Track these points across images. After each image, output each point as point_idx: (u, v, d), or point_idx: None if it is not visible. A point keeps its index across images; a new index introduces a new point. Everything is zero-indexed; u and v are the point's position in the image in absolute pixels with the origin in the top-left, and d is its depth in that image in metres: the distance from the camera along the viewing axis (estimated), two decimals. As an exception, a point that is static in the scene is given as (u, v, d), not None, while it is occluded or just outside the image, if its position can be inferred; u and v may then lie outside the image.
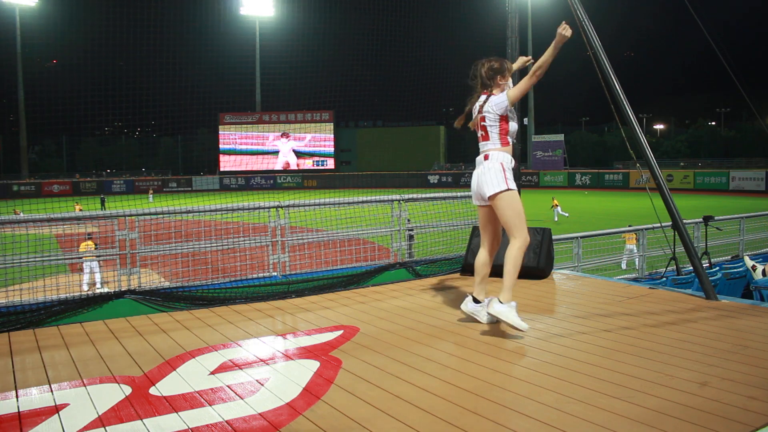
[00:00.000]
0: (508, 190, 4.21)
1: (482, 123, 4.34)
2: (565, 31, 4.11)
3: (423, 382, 3.31)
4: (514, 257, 4.15)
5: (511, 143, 4.35)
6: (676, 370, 3.36)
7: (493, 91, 4.35)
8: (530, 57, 4.80)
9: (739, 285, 8.72)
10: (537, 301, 5.20)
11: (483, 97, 4.36)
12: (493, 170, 4.24)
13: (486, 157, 4.32)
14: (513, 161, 4.36)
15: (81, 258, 7.77)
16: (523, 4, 49.35)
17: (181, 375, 3.51)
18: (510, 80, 4.47)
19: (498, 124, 4.28)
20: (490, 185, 4.23)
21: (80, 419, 2.90)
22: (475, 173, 4.43)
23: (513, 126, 4.36)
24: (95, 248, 9.26)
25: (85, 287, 10.53)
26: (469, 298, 4.51)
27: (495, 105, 4.26)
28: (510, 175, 4.26)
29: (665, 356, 3.61)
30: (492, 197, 4.24)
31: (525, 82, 4.19)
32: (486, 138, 4.34)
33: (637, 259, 12.21)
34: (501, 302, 4.06)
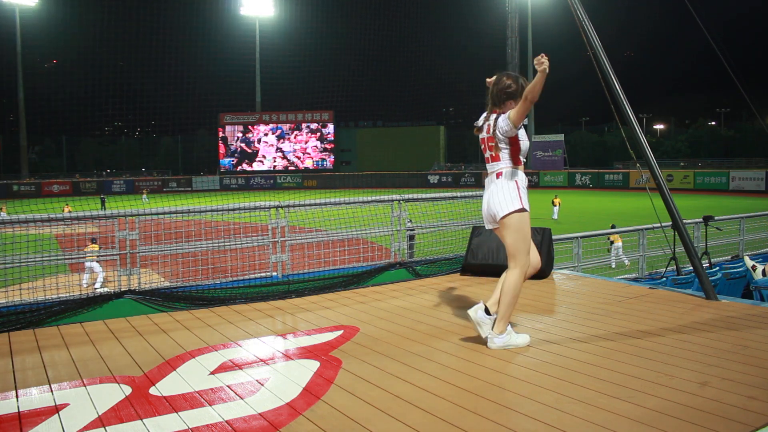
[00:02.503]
0: (522, 210, 3.92)
1: (491, 144, 4.08)
2: (540, 66, 3.75)
3: (423, 382, 3.31)
4: (513, 287, 3.88)
5: (523, 162, 4.09)
6: (676, 370, 3.36)
7: (503, 111, 4.05)
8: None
9: (739, 285, 8.73)
10: (537, 301, 5.20)
11: (493, 117, 4.07)
12: (507, 188, 3.96)
13: (498, 175, 4.03)
14: (527, 180, 4.10)
15: (84, 258, 7.80)
16: (523, 4, 49.29)
17: (181, 375, 3.51)
18: None
19: (508, 146, 4.02)
20: (504, 203, 3.94)
21: (80, 419, 2.90)
22: (485, 194, 4.12)
23: (525, 144, 4.08)
24: (98, 247, 9.35)
25: (84, 285, 10.61)
26: (481, 306, 4.11)
27: (501, 130, 3.98)
28: (525, 194, 3.99)
29: (665, 356, 3.61)
30: (504, 217, 3.94)
31: (520, 107, 3.89)
32: (496, 159, 4.06)
33: (626, 258, 12.29)
34: (498, 333, 3.90)
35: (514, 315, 4.69)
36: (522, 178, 4.04)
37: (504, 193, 3.96)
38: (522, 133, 4.09)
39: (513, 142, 4.03)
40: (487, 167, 4.15)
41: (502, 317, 3.90)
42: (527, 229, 3.97)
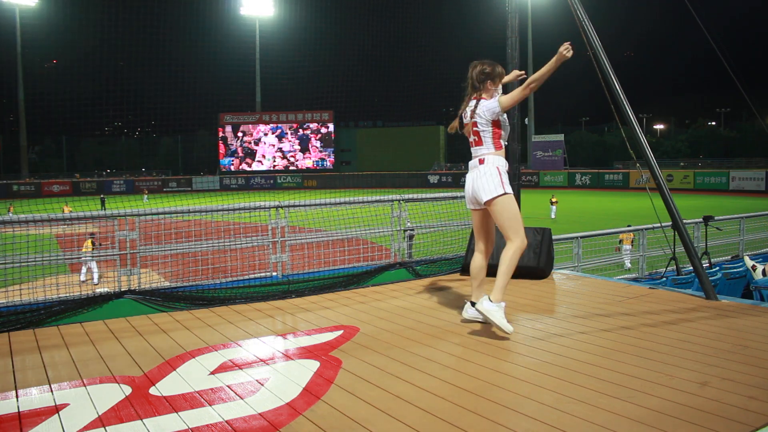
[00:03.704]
0: (505, 194, 4.22)
1: (474, 128, 4.33)
2: (567, 51, 4.06)
3: (423, 382, 3.31)
4: (510, 259, 4.13)
5: (503, 146, 4.36)
6: (676, 370, 3.36)
7: (483, 96, 4.33)
8: (523, 72, 4.77)
9: (739, 285, 8.73)
10: (537, 301, 5.20)
11: (473, 102, 4.33)
12: (489, 174, 4.24)
13: (481, 161, 4.31)
14: (507, 164, 4.36)
15: (80, 258, 7.83)
16: (523, 4, 49.30)
17: (181, 375, 3.51)
18: (500, 86, 4.44)
19: (490, 128, 4.29)
20: (487, 190, 4.23)
21: (80, 419, 2.90)
22: (469, 177, 4.42)
23: (506, 128, 4.38)
24: (92, 247, 9.40)
25: (83, 277, 10.75)
26: (468, 305, 4.52)
27: (486, 110, 4.25)
28: (506, 178, 4.26)
29: (665, 356, 3.61)
30: (488, 202, 4.24)
31: (518, 93, 4.19)
32: (479, 143, 4.34)
33: (628, 260, 12.25)
34: (491, 301, 4.06)
35: (515, 315, 4.70)
36: (503, 163, 4.32)
37: (487, 179, 4.25)
38: (504, 118, 4.36)
39: (495, 126, 4.29)
40: (472, 151, 4.42)
41: (499, 287, 4.11)
42: (515, 209, 4.26)
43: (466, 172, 4.48)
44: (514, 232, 4.18)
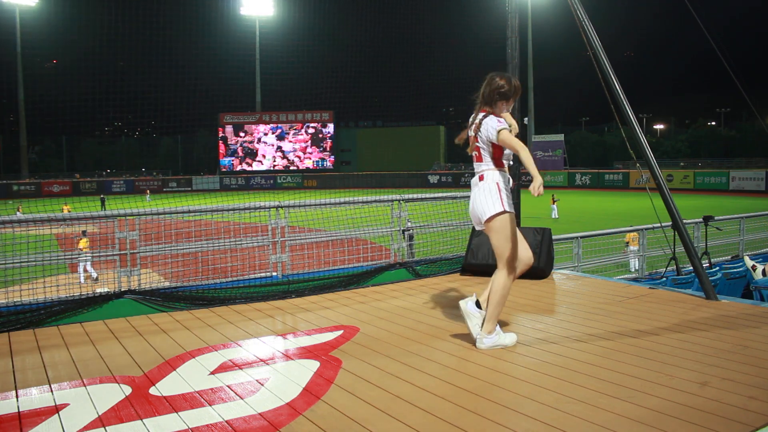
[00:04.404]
0: (504, 212, 3.94)
1: (476, 143, 4.10)
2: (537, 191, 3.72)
3: (423, 382, 3.31)
4: (501, 287, 3.90)
5: (506, 165, 4.13)
6: (676, 370, 3.36)
7: (493, 111, 4.06)
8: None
9: (739, 285, 8.73)
10: (537, 301, 5.20)
11: (481, 115, 4.07)
12: (488, 190, 4.00)
13: (481, 178, 4.08)
14: (511, 181, 4.13)
15: (79, 257, 7.85)
16: (523, 4, 49.33)
17: (181, 375, 3.51)
18: (513, 104, 4.19)
19: (490, 148, 4.04)
20: (486, 207, 3.99)
21: (80, 419, 2.90)
22: (471, 196, 4.18)
23: (507, 150, 4.08)
24: (87, 243, 9.42)
25: (82, 278, 10.79)
26: (473, 299, 4.21)
27: (487, 131, 3.98)
28: (506, 195, 4.00)
29: (665, 356, 3.61)
30: (487, 220, 3.99)
31: (515, 145, 3.86)
32: (479, 159, 4.11)
33: (633, 261, 12.19)
34: (488, 335, 3.90)
35: (515, 315, 4.70)
36: (504, 180, 4.06)
37: (486, 197, 4.00)
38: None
39: (495, 146, 4.03)
40: (474, 166, 4.18)
41: (490, 317, 3.92)
42: (511, 231, 3.97)
43: (467, 172, 4.40)
44: (505, 258, 3.93)
